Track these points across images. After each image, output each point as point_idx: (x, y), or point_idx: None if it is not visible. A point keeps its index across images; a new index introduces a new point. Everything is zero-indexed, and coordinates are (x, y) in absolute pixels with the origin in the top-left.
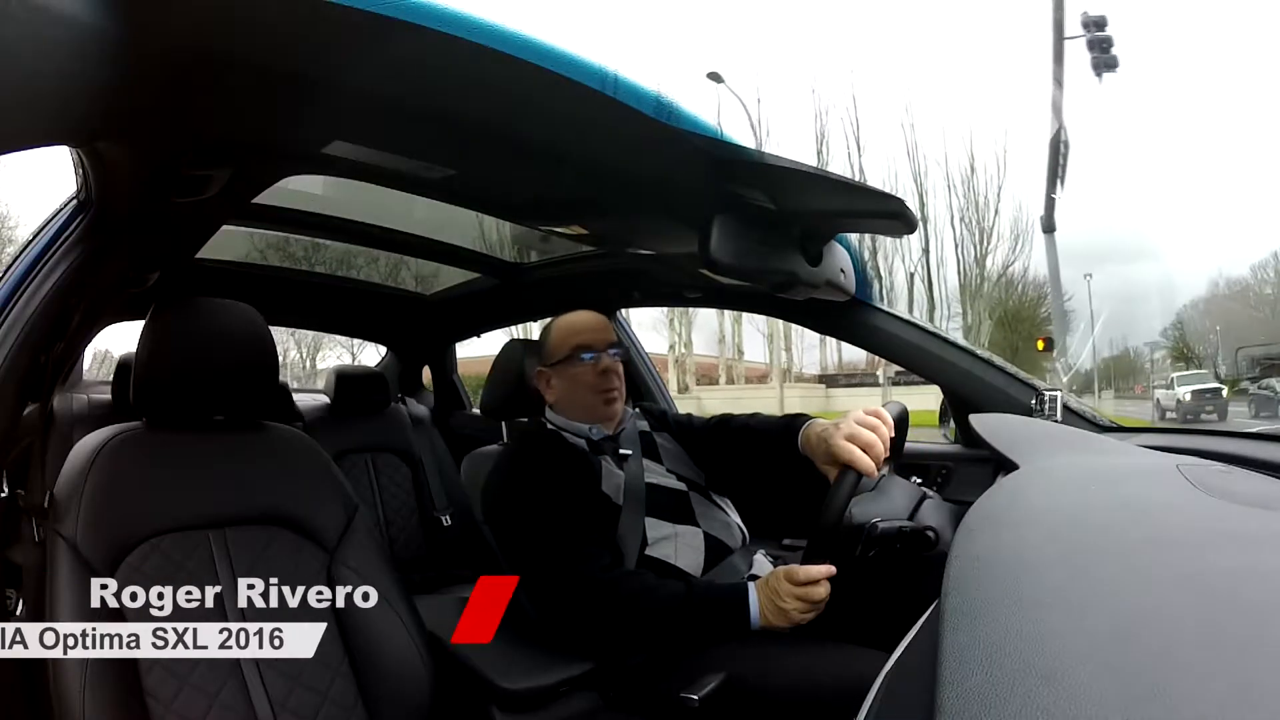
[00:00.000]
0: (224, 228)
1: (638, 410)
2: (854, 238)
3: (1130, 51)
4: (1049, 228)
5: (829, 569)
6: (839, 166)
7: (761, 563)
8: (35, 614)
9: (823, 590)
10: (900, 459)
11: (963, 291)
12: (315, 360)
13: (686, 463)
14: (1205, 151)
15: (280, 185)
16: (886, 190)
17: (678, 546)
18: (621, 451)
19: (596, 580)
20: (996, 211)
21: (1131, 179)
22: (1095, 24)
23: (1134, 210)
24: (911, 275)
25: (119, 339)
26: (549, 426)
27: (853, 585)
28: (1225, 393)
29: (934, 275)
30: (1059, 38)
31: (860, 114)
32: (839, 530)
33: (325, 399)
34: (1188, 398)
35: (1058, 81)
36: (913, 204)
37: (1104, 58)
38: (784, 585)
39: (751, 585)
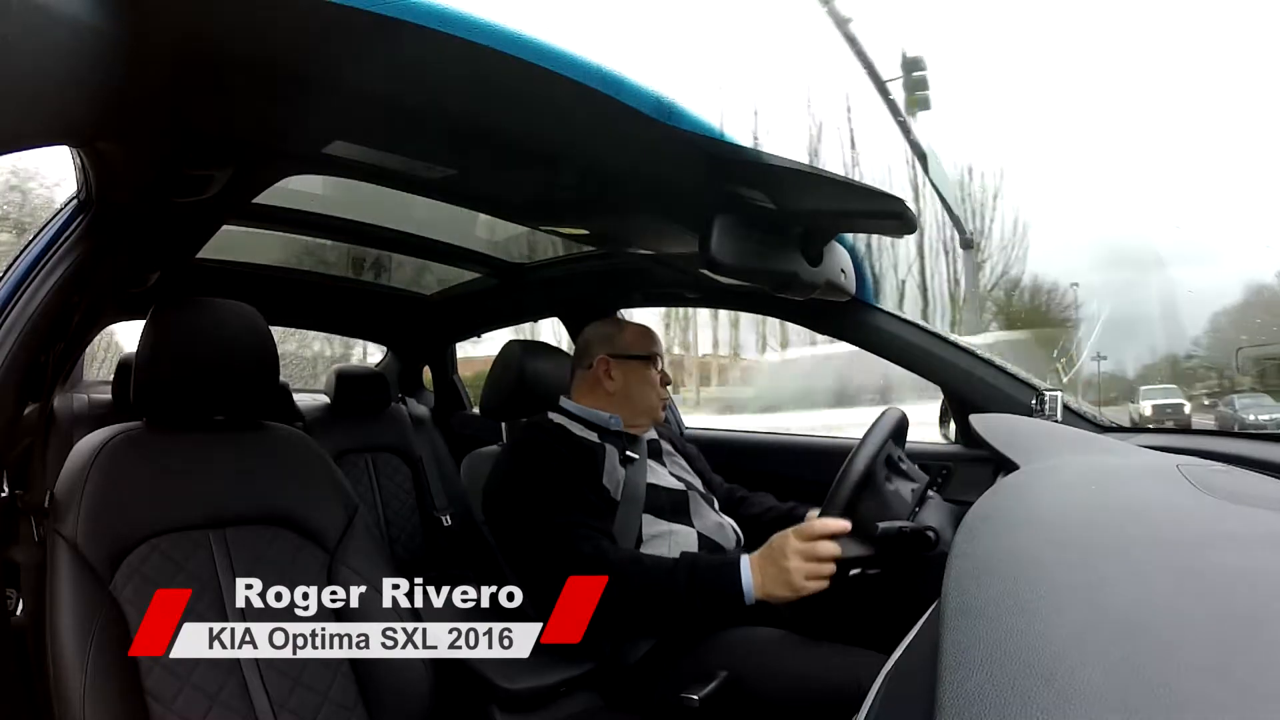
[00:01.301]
0: (224, 228)
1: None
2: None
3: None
4: (967, 244)
5: (843, 524)
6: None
7: None
8: (35, 614)
9: (830, 547)
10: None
11: (953, 298)
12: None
13: (687, 469)
14: (1249, 154)
15: (280, 185)
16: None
17: (671, 545)
18: (628, 453)
19: (586, 556)
20: (993, 219)
21: (1174, 179)
22: (913, 65)
23: (1175, 212)
24: (903, 282)
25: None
26: (554, 421)
27: (852, 582)
28: (1188, 408)
29: (929, 281)
30: (876, 81)
31: (857, 119)
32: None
33: (325, 399)
34: (1148, 411)
35: (903, 120)
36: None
37: (918, 97)
38: (791, 542)
39: (746, 556)
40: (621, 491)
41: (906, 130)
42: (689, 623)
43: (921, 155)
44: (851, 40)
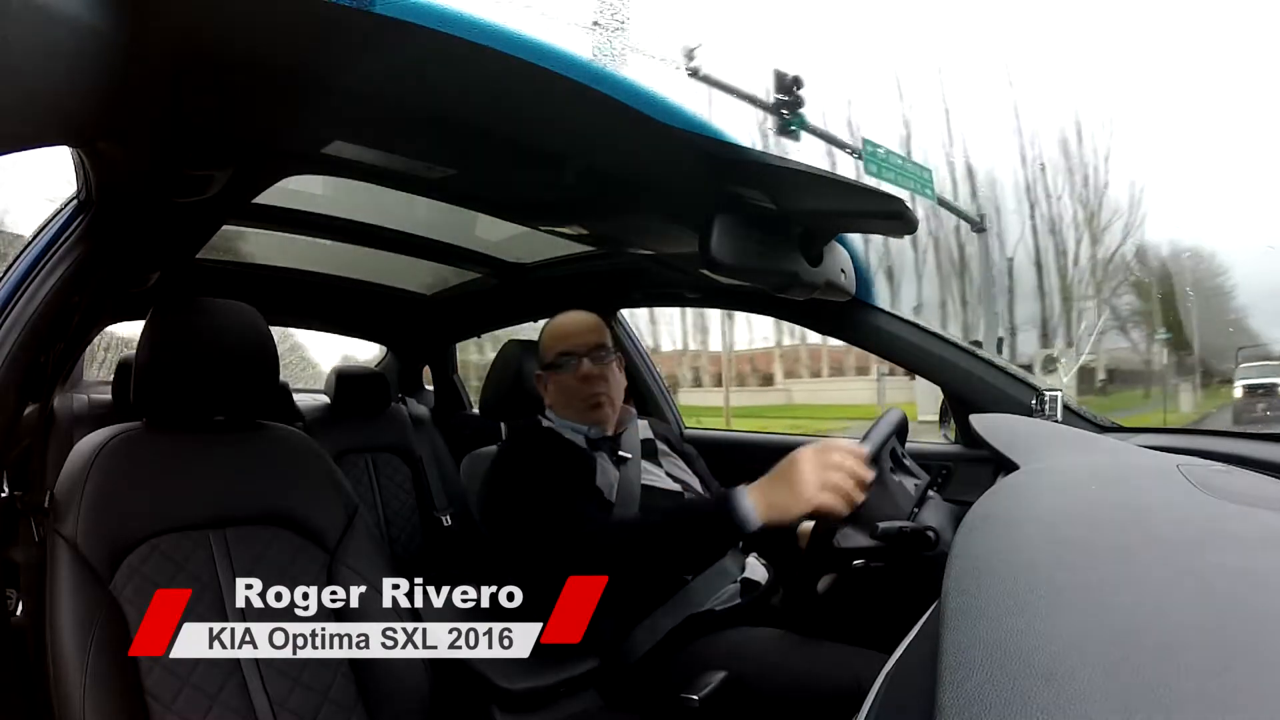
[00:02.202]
0: (224, 228)
1: (646, 421)
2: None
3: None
4: (979, 229)
5: (862, 449)
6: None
7: (754, 565)
8: (35, 614)
9: (850, 461)
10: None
11: (1063, 275)
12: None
13: (685, 470)
14: None
15: (280, 185)
16: (887, 192)
17: None
18: (620, 454)
19: (584, 536)
20: (1106, 184)
21: None
22: (792, 84)
23: None
24: (1011, 260)
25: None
26: (543, 424)
27: (852, 584)
28: None
29: (1042, 259)
30: (759, 104)
31: (952, 100)
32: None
33: (325, 399)
34: (1239, 393)
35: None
36: (1015, 185)
37: (788, 119)
38: (803, 453)
39: (742, 488)
40: (616, 493)
41: (830, 138)
42: (690, 562)
43: (855, 152)
44: (724, 87)
